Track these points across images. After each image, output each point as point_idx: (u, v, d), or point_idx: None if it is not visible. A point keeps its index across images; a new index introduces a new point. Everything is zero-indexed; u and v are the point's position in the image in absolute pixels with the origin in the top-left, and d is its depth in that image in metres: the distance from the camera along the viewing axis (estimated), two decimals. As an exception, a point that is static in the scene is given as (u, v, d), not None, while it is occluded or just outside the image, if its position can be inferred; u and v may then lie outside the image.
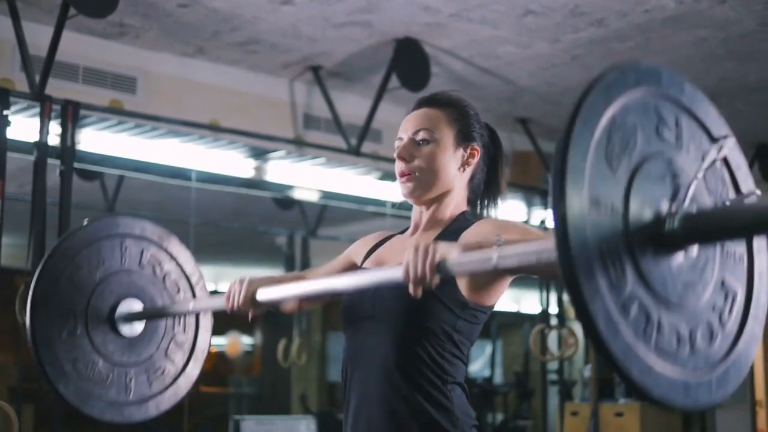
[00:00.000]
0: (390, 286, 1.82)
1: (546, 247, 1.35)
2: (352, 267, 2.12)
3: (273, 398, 8.49)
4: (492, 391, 8.70)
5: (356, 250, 2.13)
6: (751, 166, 6.51)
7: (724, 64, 5.11)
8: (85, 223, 2.32)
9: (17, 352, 7.97)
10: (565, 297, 6.18)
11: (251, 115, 5.09)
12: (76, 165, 4.20)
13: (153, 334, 2.37)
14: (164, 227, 2.43)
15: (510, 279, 1.89)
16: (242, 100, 5.11)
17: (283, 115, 5.25)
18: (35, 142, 3.95)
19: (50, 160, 4.04)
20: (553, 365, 7.53)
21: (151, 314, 2.34)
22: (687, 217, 1.26)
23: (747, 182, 1.40)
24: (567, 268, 1.14)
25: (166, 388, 2.40)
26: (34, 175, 3.97)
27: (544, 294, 6.18)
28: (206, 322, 2.46)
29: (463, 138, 1.98)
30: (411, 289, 1.58)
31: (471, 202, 2.05)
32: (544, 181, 6.08)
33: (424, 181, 1.94)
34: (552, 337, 6.12)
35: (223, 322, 8.96)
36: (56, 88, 4.20)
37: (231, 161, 5.26)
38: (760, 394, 5.89)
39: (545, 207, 6.09)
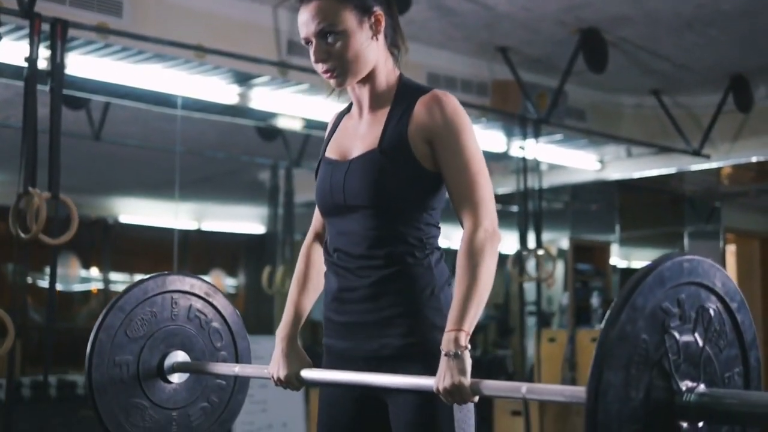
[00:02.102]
0: (357, 174, 1.96)
1: (576, 394, 1.60)
2: None
3: (255, 328, 8.62)
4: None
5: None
6: (725, 97, 6.63)
7: (700, -10, 5.18)
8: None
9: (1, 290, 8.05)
10: (545, 237, 6.31)
11: (236, 41, 5.14)
12: (63, 92, 4.21)
13: (195, 383, 2.56)
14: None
15: None
16: (227, 26, 5.16)
17: (268, 41, 5.30)
18: (26, 58, 3.96)
19: (39, 87, 4.06)
20: (531, 296, 7.69)
21: (197, 370, 2.51)
22: (703, 395, 1.48)
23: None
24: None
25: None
26: (25, 95, 3.97)
27: (522, 228, 6.29)
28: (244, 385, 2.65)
29: (363, 11, 2.01)
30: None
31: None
32: (524, 109, 6.18)
33: (349, 72, 2.03)
34: (530, 266, 6.25)
35: (205, 263, 9.07)
36: (43, 9, 4.21)
37: (215, 87, 5.33)
38: None
39: (524, 136, 6.19)
